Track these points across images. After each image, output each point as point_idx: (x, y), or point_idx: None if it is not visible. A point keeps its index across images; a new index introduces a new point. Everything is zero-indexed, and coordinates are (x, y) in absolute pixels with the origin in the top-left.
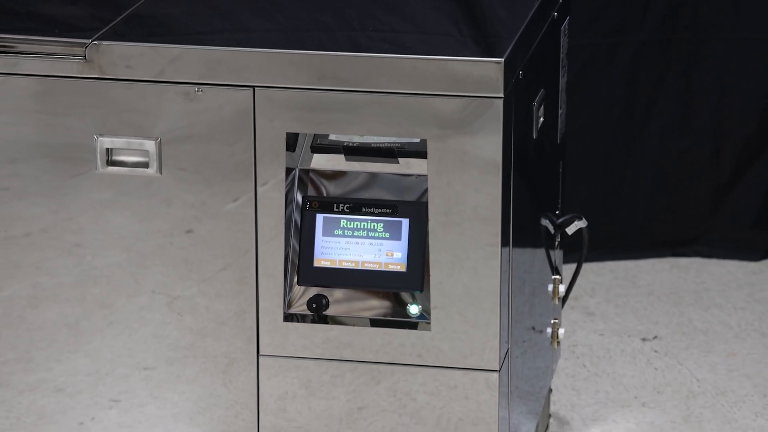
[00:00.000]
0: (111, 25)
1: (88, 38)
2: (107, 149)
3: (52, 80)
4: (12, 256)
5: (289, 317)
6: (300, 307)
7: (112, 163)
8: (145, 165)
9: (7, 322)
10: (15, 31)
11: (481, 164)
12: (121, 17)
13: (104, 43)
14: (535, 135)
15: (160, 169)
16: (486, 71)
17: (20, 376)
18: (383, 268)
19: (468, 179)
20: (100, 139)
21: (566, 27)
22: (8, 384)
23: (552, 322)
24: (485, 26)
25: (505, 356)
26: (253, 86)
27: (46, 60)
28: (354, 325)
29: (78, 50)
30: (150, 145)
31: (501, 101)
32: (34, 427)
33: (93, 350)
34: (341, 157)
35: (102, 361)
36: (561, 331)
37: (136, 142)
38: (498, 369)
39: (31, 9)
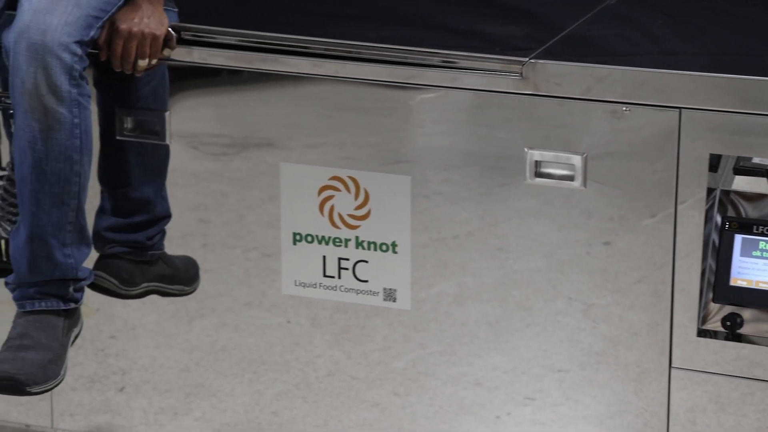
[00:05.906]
0: (547, 45)
1: (525, 56)
2: (536, 161)
3: (488, 95)
4: (441, 256)
5: (702, 333)
6: (713, 324)
7: (539, 174)
8: (571, 178)
9: (434, 317)
10: (457, 48)
11: None
12: (556, 38)
13: (540, 61)
14: None
15: (584, 183)
16: None
17: (444, 368)
18: None
19: None
20: (530, 152)
21: None
22: (433, 374)
23: None
24: None
25: None
26: (679, 107)
27: (484, 76)
28: (767, 346)
29: (515, 67)
30: (576, 160)
31: None
32: (454, 417)
33: (511, 349)
34: (764, 180)
35: (519, 359)
36: None
37: (563, 156)
38: None
39: (473, 28)
